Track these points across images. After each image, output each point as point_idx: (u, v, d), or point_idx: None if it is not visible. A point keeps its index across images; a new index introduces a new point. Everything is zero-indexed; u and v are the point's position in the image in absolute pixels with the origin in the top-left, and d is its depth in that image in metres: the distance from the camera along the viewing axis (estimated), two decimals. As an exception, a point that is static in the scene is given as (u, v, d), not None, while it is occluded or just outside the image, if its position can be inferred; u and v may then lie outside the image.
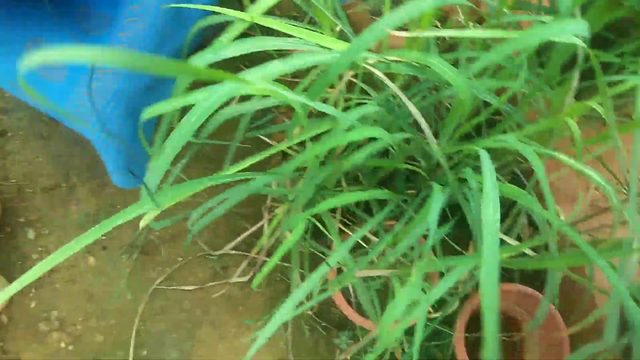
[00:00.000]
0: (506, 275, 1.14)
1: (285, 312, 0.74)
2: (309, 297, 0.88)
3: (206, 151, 1.23)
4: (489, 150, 0.88)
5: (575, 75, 0.73)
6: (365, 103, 0.80)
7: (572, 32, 0.39)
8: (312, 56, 0.51)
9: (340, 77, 0.81)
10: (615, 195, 0.60)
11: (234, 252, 1.13)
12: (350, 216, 1.07)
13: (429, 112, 0.97)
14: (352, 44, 0.47)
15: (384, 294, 0.98)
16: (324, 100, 1.13)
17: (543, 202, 1.07)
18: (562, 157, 0.60)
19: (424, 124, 0.71)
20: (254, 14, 0.64)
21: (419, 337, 0.64)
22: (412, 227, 0.76)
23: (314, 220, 0.83)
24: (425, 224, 0.74)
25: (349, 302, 1.03)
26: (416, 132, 0.82)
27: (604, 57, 0.79)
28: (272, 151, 0.77)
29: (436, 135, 1.00)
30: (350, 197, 0.72)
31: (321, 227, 0.88)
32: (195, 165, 1.22)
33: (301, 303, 0.86)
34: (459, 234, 1.06)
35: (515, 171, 1.01)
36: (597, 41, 0.80)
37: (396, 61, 0.61)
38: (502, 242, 0.79)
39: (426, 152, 0.85)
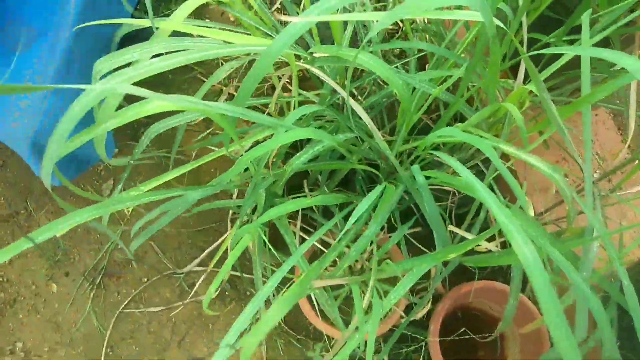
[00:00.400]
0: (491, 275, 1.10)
1: (243, 322, 0.70)
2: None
3: (163, 163, 1.20)
4: (444, 144, 0.85)
5: (521, 63, 0.70)
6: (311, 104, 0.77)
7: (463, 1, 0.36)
8: (225, 47, 0.47)
9: (277, 78, 0.78)
10: (566, 185, 0.57)
11: (200, 268, 1.10)
12: (315, 222, 1.04)
13: (382, 109, 0.94)
14: (278, 36, 0.44)
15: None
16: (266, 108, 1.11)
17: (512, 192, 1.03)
18: (506, 147, 0.57)
19: (368, 121, 0.68)
20: (175, 22, 0.61)
21: (371, 343, 0.60)
22: (368, 229, 0.72)
23: (262, 231, 0.80)
24: (376, 225, 0.71)
25: (320, 312, 0.99)
26: (368, 131, 0.78)
27: (548, 39, 0.77)
28: (206, 159, 0.74)
29: (393, 132, 0.97)
30: (297, 203, 0.69)
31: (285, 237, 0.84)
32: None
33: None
34: (428, 232, 1.03)
35: (478, 165, 0.98)
36: (544, 22, 0.77)
37: (324, 57, 0.57)
38: (463, 238, 0.76)
39: (380, 152, 0.82)
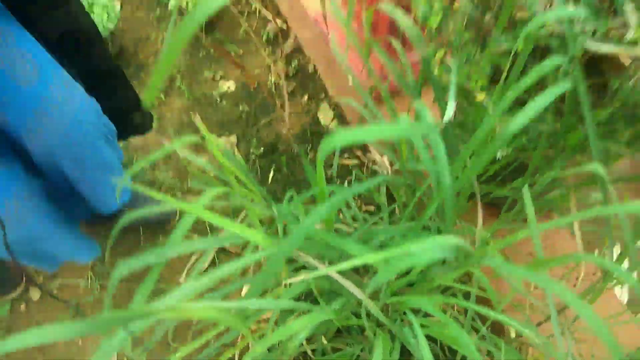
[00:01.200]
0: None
1: None
2: None
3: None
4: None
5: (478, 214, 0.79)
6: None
7: (435, 255, 0.43)
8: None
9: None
10: (537, 336, 0.63)
11: None
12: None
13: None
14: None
15: None
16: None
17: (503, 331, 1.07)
18: (477, 308, 0.64)
19: (352, 288, 0.74)
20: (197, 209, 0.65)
21: None
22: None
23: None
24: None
25: None
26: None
27: (500, 193, 0.86)
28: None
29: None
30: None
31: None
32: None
33: None
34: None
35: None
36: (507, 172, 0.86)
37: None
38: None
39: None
